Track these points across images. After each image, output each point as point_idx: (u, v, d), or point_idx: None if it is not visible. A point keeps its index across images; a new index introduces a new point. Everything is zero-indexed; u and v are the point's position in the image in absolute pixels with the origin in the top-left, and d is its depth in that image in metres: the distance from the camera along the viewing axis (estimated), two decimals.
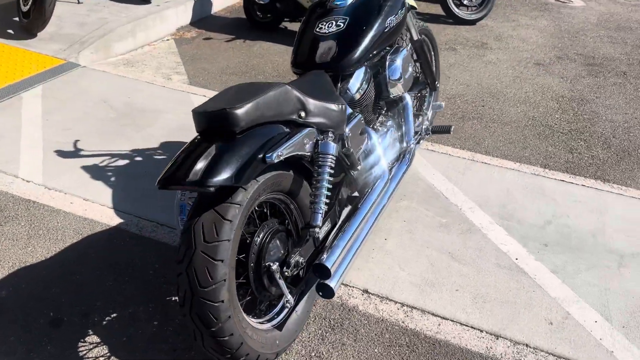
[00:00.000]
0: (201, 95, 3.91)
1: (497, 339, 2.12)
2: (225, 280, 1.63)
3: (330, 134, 2.00)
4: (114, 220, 2.67)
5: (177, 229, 2.08)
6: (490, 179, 3.10)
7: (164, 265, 2.40)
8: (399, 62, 2.46)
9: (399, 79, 2.46)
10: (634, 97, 4.31)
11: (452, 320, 2.19)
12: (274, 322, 1.95)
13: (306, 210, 2.04)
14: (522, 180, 3.12)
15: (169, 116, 3.62)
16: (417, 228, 2.68)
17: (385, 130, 2.56)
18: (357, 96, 2.36)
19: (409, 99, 2.64)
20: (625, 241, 2.66)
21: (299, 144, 1.85)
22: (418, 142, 2.80)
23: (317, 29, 2.37)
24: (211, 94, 3.97)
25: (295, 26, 5.32)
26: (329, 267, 1.84)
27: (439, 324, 2.17)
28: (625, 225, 2.77)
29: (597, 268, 2.48)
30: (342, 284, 2.30)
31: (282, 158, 1.75)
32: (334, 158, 1.95)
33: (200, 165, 1.62)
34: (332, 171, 1.95)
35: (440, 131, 2.78)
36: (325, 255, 1.90)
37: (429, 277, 2.39)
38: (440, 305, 2.25)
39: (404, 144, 2.64)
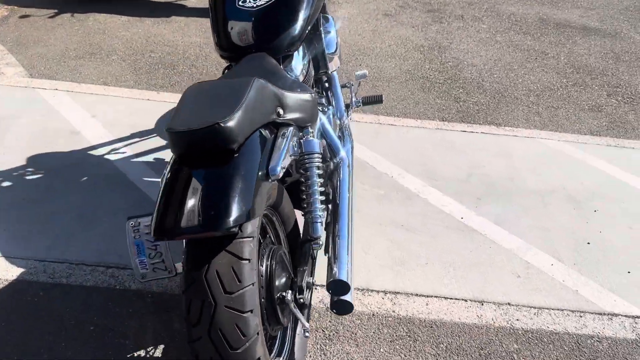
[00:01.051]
0: (53, 89, 3.24)
1: (482, 304, 2.13)
2: (258, 333, 1.34)
3: (309, 129, 1.74)
4: (9, 271, 2.09)
5: (136, 274, 1.67)
6: (402, 140, 3.08)
7: (104, 315, 1.95)
8: (333, 32, 2.24)
9: (335, 52, 2.24)
10: (479, 38, 4.61)
11: (436, 297, 2.14)
12: (284, 356, 1.70)
13: (288, 220, 1.78)
14: (429, 136, 3.15)
15: (22, 121, 2.93)
16: (362, 205, 2.55)
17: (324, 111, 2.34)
18: (301, 78, 2.10)
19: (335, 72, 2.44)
20: (538, 180, 2.85)
21: (291, 148, 1.58)
22: (349, 117, 2.63)
23: (241, 3, 2.02)
24: (65, 85, 3.30)
25: None
26: (347, 281, 1.63)
27: (427, 304, 2.11)
28: (531, 165, 2.96)
29: (529, 211, 2.62)
30: (315, 287, 2.11)
31: (284, 170, 1.48)
32: (320, 156, 1.71)
33: (206, 202, 1.27)
34: (320, 172, 1.71)
35: (371, 102, 2.64)
36: (335, 269, 1.68)
37: (395, 255, 2.30)
38: (418, 283, 2.18)
39: (338, 121, 2.46)
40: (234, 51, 1.98)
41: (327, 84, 2.46)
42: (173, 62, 3.75)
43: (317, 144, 1.69)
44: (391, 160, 2.89)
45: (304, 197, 1.67)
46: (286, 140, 1.56)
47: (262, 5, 1.99)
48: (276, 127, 1.61)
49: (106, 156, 2.74)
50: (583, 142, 3.25)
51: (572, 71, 4.18)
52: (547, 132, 3.32)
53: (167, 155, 2.69)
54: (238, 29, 1.98)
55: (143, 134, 2.93)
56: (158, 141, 2.87)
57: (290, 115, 1.65)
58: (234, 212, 1.26)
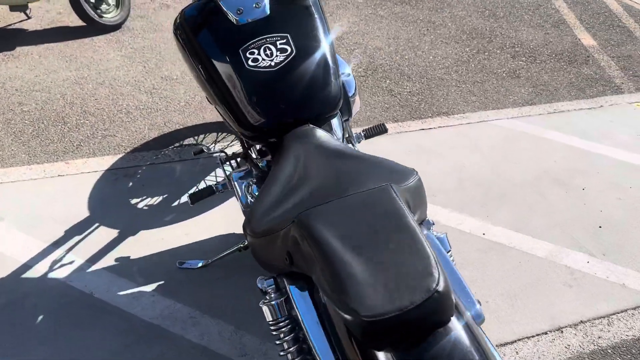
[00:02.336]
0: None
1: (562, 332, 2.01)
2: None
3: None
4: None
5: None
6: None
7: None
8: (347, 71, 1.85)
9: (355, 93, 1.87)
10: (363, 15, 4.41)
11: (520, 340, 1.97)
12: None
13: None
14: (395, 143, 2.92)
15: None
16: None
17: None
18: (343, 140, 1.71)
19: None
20: (519, 170, 2.79)
21: None
22: None
23: (251, 63, 1.54)
24: None
25: None
26: None
27: (517, 352, 1.93)
28: (502, 154, 2.90)
29: (534, 207, 2.56)
30: None
31: None
32: None
33: None
34: None
35: (374, 133, 2.29)
36: None
37: None
38: (495, 330, 1.99)
39: None
40: (264, 130, 1.51)
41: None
42: (58, 113, 2.97)
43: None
44: None
45: None
46: None
47: (282, 62, 1.54)
48: None
49: (51, 275, 2.05)
50: (527, 114, 3.27)
51: (466, 38, 4.20)
52: (492, 112, 3.28)
53: (133, 248, 2.11)
54: (262, 99, 1.51)
55: (82, 227, 2.25)
56: (106, 232, 2.23)
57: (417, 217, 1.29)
58: None
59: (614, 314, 2.09)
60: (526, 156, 2.89)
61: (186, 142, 2.82)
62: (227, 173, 2.11)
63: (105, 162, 2.62)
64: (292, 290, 1.20)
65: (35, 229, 2.23)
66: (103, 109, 3.02)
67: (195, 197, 2.11)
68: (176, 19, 1.74)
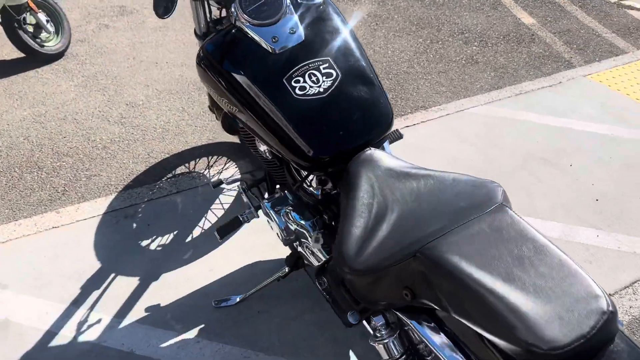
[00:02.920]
0: None
1: None
2: None
3: None
4: None
5: None
6: None
7: None
8: None
9: None
10: None
11: None
12: None
13: None
14: None
15: None
16: None
17: None
18: None
19: None
20: (507, 155, 2.89)
21: None
22: None
23: (299, 91, 1.49)
24: None
25: None
26: None
27: None
28: (488, 142, 2.99)
29: (533, 189, 2.66)
30: None
31: None
32: None
33: None
34: None
35: (392, 140, 2.26)
36: None
37: None
38: None
39: None
40: (325, 159, 1.46)
41: None
42: (28, 158, 2.73)
43: None
44: None
45: None
46: None
47: (330, 87, 1.50)
48: None
49: (82, 338, 1.90)
50: (497, 99, 3.39)
51: (416, 28, 4.28)
52: (465, 100, 3.36)
53: (160, 293, 2.00)
54: (319, 127, 1.47)
55: (98, 281, 2.09)
56: (126, 282, 2.09)
57: None
58: None
59: (635, 282, 2.21)
60: (509, 140, 2.99)
61: (178, 171, 2.68)
62: (253, 201, 2.04)
63: (99, 205, 2.44)
64: (416, 325, 1.17)
65: (46, 290, 2.05)
66: (76, 147, 2.82)
67: (223, 232, 2.02)
68: (200, 52, 1.65)
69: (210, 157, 2.78)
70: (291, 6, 1.62)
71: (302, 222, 1.74)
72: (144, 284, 2.09)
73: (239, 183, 2.06)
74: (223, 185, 2.15)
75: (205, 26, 1.94)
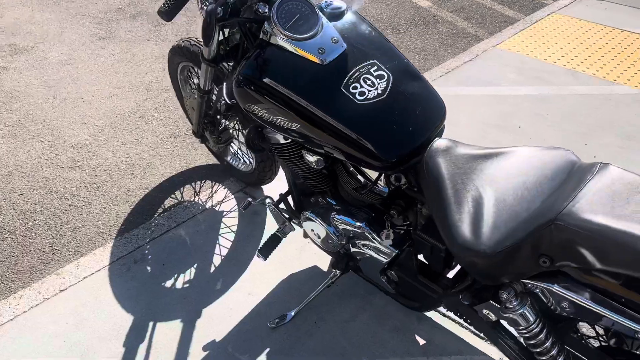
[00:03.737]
0: None
1: None
2: None
3: None
4: None
5: None
6: None
7: None
8: None
9: None
10: None
11: None
12: None
13: None
14: None
15: None
16: None
17: None
18: None
19: None
20: (470, 132, 3.13)
21: None
22: None
23: (359, 97, 1.54)
24: None
25: None
26: None
27: None
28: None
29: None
30: None
31: None
32: None
33: None
34: None
35: None
36: None
37: None
38: None
39: None
40: (403, 157, 1.53)
41: None
42: None
43: None
44: None
45: None
46: None
47: (387, 87, 1.58)
48: None
49: None
50: (432, 80, 3.63)
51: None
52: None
53: (211, 330, 1.94)
54: (389, 128, 1.54)
55: (138, 334, 1.97)
56: (169, 327, 1.99)
57: None
58: None
59: None
60: (461, 116, 3.23)
61: (167, 204, 2.57)
62: (286, 215, 2.04)
63: (100, 256, 2.28)
64: (558, 287, 1.28)
65: (90, 358, 1.89)
66: (42, 202, 2.58)
67: (266, 252, 2.01)
68: (240, 76, 1.62)
69: (194, 184, 2.69)
70: (323, 16, 1.65)
71: (360, 223, 1.78)
72: (189, 325, 2.00)
73: (267, 200, 2.05)
74: (252, 205, 2.12)
75: (216, 49, 1.89)
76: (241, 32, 1.78)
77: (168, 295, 2.11)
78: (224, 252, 2.30)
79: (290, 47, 1.59)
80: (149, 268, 2.22)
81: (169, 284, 2.16)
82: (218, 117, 2.28)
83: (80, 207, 2.55)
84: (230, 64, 2.06)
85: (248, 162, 2.56)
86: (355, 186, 1.73)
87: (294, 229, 2.07)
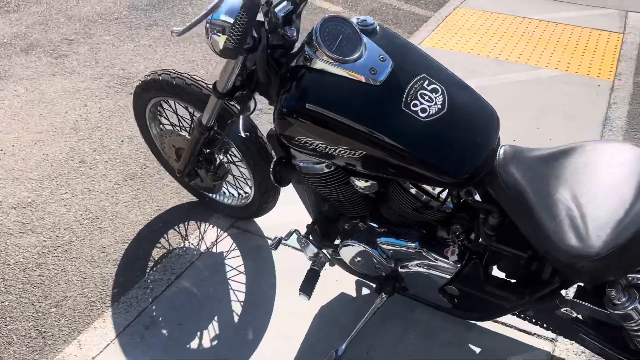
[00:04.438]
0: None
1: None
2: None
3: None
4: None
5: None
6: None
7: None
8: None
9: None
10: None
11: None
12: None
13: None
14: None
15: None
16: None
17: None
18: None
19: None
20: None
21: None
22: None
23: (422, 114, 1.48)
24: None
25: None
26: None
27: None
28: None
29: None
30: None
31: None
32: None
33: None
34: None
35: None
36: None
37: None
38: None
39: None
40: (478, 169, 1.50)
41: None
42: None
43: None
44: None
45: None
46: None
47: (444, 100, 1.53)
48: None
49: None
50: None
51: None
52: None
53: None
54: (459, 141, 1.50)
55: None
56: None
57: None
58: None
59: None
60: None
61: (156, 254, 2.31)
62: (318, 246, 1.92)
63: (103, 330, 1.98)
64: None
65: None
66: (3, 279, 2.20)
67: (309, 289, 1.90)
68: (284, 108, 1.49)
69: (177, 227, 2.44)
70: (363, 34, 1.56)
71: (413, 243, 1.72)
72: None
73: (295, 235, 1.91)
74: (282, 243, 1.96)
75: (232, 83, 1.72)
76: (264, 60, 1.62)
77: (198, 357, 1.89)
78: (241, 296, 2.11)
79: (340, 70, 1.48)
80: (164, 331, 1.97)
81: (194, 344, 1.93)
82: (215, 152, 2.09)
83: (54, 276, 2.21)
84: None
85: (239, 195, 2.37)
86: (416, 206, 1.66)
87: (330, 259, 1.95)
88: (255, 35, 1.58)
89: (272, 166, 1.76)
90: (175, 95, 2.05)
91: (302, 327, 2.00)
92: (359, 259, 1.83)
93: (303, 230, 1.92)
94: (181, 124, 2.24)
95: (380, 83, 1.48)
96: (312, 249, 1.93)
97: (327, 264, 2.00)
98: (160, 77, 2.07)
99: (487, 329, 2.00)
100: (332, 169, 1.66)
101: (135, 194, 2.64)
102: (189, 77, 2.04)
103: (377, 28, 1.62)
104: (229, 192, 2.41)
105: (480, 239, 1.61)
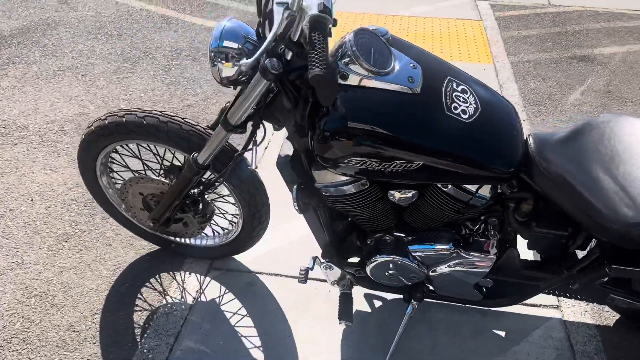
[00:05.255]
0: None
1: None
2: None
3: None
4: None
5: None
6: None
7: None
8: None
9: None
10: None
11: None
12: None
13: None
14: None
15: None
16: None
17: None
18: None
19: None
20: None
21: None
22: None
23: (464, 116, 1.49)
24: None
25: None
26: None
27: None
28: None
29: None
30: None
31: None
32: None
33: None
34: None
35: None
36: None
37: None
38: None
39: None
40: (521, 163, 1.56)
41: None
42: None
43: None
44: None
45: None
46: None
47: (476, 99, 1.58)
48: None
49: None
50: None
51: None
52: None
53: None
54: (502, 138, 1.55)
55: None
56: None
57: None
58: None
59: None
60: None
61: (139, 319, 2.02)
62: (340, 268, 1.85)
63: None
64: None
65: None
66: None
67: (348, 315, 1.82)
68: (327, 133, 1.40)
69: (149, 284, 2.16)
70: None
71: (445, 245, 1.73)
72: None
73: (317, 262, 1.81)
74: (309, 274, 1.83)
75: (246, 116, 1.57)
76: (280, 84, 1.50)
77: None
78: (256, 341, 1.94)
79: (381, 84, 1.42)
80: None
81: None
82: (204, 193, 1.89)
83: (57, 347, 1.83)
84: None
85: (223, 232, 2.17)
86: (458, 207, 1.65)
87: (354, 279, 1.88)
88: (285, 58, 1.45)
89: (294, 194, 1.64)
90: (148, 136, 1.81)
91: (334, 355, 1.90)
92: (391, 272, 1.79)
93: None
94: (146, 168, 1.99)
95: (419, 91, 1.46)
96: (335, 273, 1.84)
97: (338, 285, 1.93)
98: (125, 119, 1.81)
99: (498, 312, 2.08)
100: (366, 187, 1.59)
101: (79, 256, 2.29)
102: (160, 113, 1.81)
103: (390, 36, 1.59)
104: (212, 231, 2.19)
105: (523, 227, 1.66)
